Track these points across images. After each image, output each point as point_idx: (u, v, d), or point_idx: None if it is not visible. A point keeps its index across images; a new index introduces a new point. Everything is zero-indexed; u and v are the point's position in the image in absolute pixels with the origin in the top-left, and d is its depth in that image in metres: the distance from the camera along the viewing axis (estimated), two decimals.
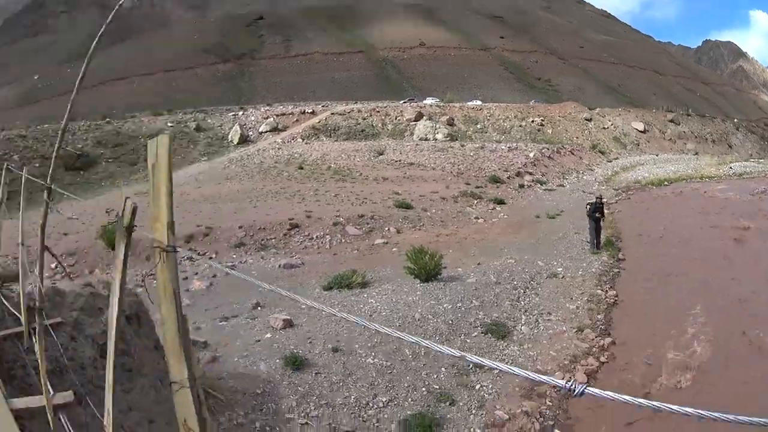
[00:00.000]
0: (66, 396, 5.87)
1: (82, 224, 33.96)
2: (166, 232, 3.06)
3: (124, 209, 3.71)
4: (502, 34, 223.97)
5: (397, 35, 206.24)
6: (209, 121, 72.85)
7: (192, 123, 70.78)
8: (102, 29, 4.60)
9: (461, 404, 12.24)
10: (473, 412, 12.04)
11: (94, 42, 4.44)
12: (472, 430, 11.53)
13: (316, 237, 28.67)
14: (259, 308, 18.03)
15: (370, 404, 11.91)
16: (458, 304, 17.41)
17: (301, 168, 48.80)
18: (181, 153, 62.73)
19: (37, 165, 57.04)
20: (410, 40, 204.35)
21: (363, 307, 17.20)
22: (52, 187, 5.46)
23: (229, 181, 44.24)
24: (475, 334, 15.65)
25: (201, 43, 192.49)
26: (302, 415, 11.30)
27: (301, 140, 64.66)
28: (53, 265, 28.36)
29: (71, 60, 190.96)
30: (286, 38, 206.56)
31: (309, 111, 76.17)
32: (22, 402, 5.97)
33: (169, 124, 70.31)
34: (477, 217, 35.35)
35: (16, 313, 7.95)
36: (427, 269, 19.80)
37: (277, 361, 13.04)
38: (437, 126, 71.89)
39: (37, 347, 5.91)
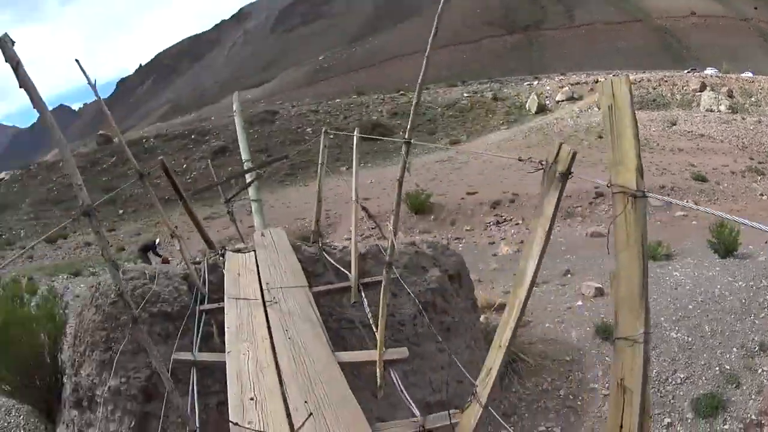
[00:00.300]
0: (400, 352, 6.30)
1: (383, 190, 35.17)
2: (634, 176, 2.88)
3: (558, 154, 3.47)
4: (755, 4, 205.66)
5: (670, 4, 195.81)
6: (505, 91, 72.76)
7: (488, 93, 71.03)
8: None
9: (744, 387, 11.30)
10: (752, 396, 11.09)
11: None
12: (749, 414, 10.70)
13: None
14: (569, 275, 17.76)
15: (669, 380, 11.47)
16: (750, 283, 16.00)
17: (600, 137, 47.38)
18: (481, 122, 63.43)
19: (332, 137, 60.37)
20: (682, 9, 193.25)
21: (668, 279, 16.09)
22: (411, 141, 5.44)
23: (531, 149, 44.06)
24: (763, 315, 14.33)
25: (485, 16, 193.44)
26: (606, 386, 10.96)
27: (597, 109, 62.76)
28: (350, 227, 29.59)
29: (352, 41, 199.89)
30: (568, 8, 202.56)
31: (601, 80, 73.60)
32: (351, 356, 6.43)
33: (465, 95, 71.22)
34: (761, 194, 33.19)
35: (342, 269, 8.64)
36: (726, 244, 18.60)
37: (587, 329, 12.86)
38: (720, 97, 67.51)
39: (382, 301, 5.99)
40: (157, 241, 27.16)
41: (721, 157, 40.59)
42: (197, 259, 9.63)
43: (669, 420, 10.69)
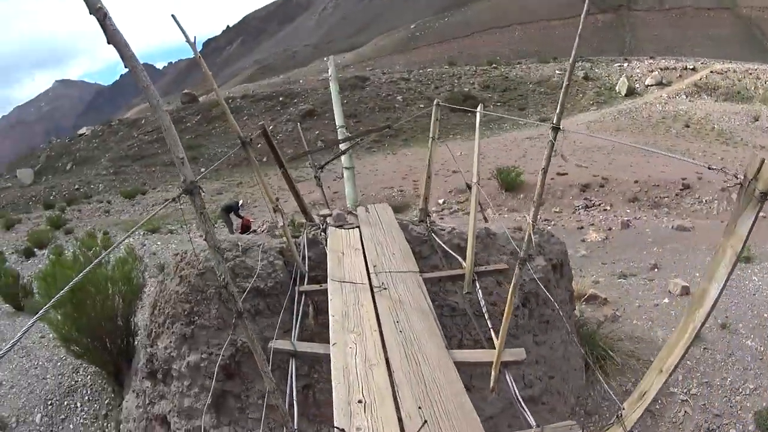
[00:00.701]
0: (518, 353, 5.73)
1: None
2: None
3: (760, 170, 2.71)
4: None
5: None
6: (596, 71, 72.14)
7: (580, 72, 70.37)
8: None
9: None
10: None
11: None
12: None
13: (706, 201, 27.45)
14: (656, 269, 17.46)
15: (740, 389, 11.14)
16: None
17: (687, 126, 47.54)
18: (571, 101, 62.87)
19: (422, 106, 60.72)
20: None
21: (747, 284, 15.54)
22: (560, 128, 4.68)
23: (620, 133, 44.07)
24: None
25: None
26: (684, 391, 10.84)
27: (685, 96, 61.94)
28: (440, 200, 30.21)
29: (445, 10, 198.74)
30: None
31: (690, 67, 72.66)
32: (467, 355, 5.95)
33: (557, 72, 70.86)
34: None
35: (451, 252, 8.18)
36: None
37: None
38: None
39: (509, 300, 5.23)
40: (240, 202, 27.85)
41: None
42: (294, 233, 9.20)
43: (734, 431, 10.47)
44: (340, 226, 9.39)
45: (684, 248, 20.14)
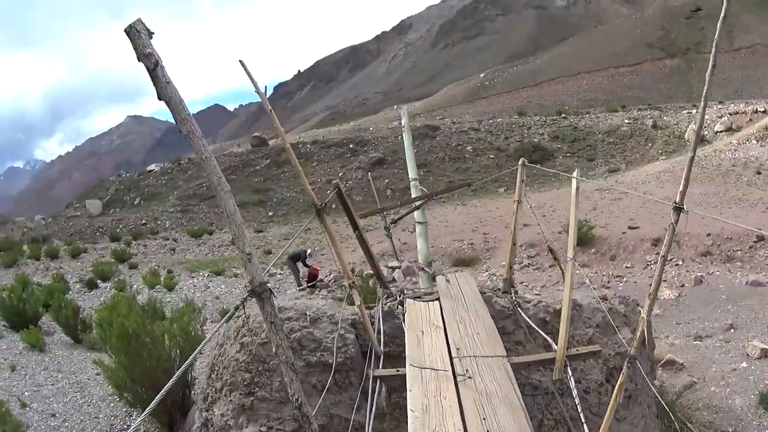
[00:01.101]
0: None
1: (542, 216, 35.64)
2: None
3: None
4: None
5: None
6: (665, 119, 70.95)
7: (648, 120, 69.65)
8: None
9: None
10: None
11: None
12: None
13: None
14: (732, 330, 17.10)
15: None
16: None
17: (759, 173, 46.13)
18: (640, 150, 62.54)
19: (492, 156, 61.71)
20: None
21: None
22: (684, 208, 4.51)
23: (690, 183, 43.60)
24: None
25: (643, 38, 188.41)
26: None
27: (755, 141, 60.41)
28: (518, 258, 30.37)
29: (513, 59, 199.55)
30: (728, 29, 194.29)
31: (761, 110, 71.14)
32: None
33: (626, 121, 70.11)
34: None
35: (536, 328, 7.77)
36: None
37: (752, 396, 11.77)
38: None
39: (615, 398, 5.22)
40: (309, 252, 28.18)
41: None
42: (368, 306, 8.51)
43: None
44: (418, 298, 8.77)
45: (759, 306, 19.86)
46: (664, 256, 4.38)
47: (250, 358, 7.59)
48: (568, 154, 63.23)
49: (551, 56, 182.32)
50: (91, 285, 28.87)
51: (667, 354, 13.61)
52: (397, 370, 6.69)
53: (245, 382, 7.51)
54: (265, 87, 6.07)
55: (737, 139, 60.68)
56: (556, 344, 6.77)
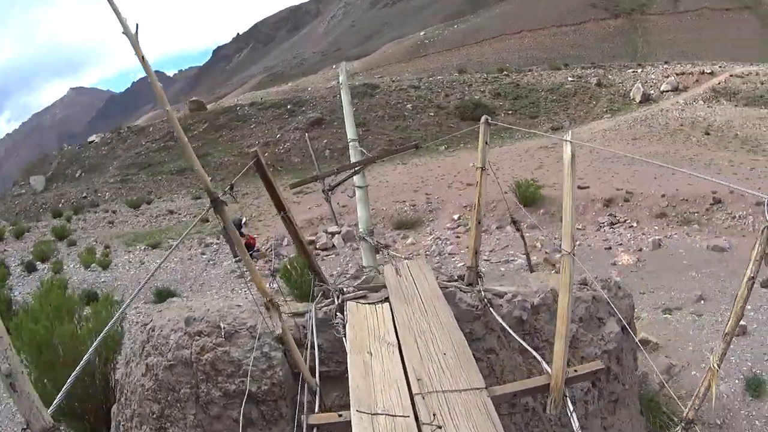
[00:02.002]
0: None
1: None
2: None
3: None
4: None
5: None
6: (609, 77, 70.65)
7: (593, 79, 69.16)
8: None
9: None
10: None
11: None
12: None
13: (739, 216, 25.46)
14: (702, 301, 15.86)
15: None
16: None
17: (708, 134, 45.70)
18: (584, 108, 61.85)
19: (432, 114, 60.78)
20: None
21: None
22: None
23: (637, 142, 42.53)
24: None
25: None
26: None
27: (702, 102, 60.30)
28: (455, 216, 28.72)
29: (452, 18, 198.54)
30: None
31: (707, 71, 71.13)
32: None
33: (570, 79, 69.57)
34: None
35: (512, 333, 6.35)
36: None
37: (737, 382, 10.93)
38: None
39: None
40: (243, 219, 26.22)
41: None
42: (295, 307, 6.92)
43: None
44: (362, 298, 7.08)
45: (724, 273, 18.54)
46: (752, 277, 2.98)
47: (157, 384, 6.03)
48: (510, 112, 62.19)
49: (492, 15, 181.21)
50: (30, 268, 27.78)
51: (640, 333, 11.87)
52: (339, 415, 5.04)
53: (154, 415, 6.05)
54: (137, 26, 4.33)
55: (684, 99, 61.12)
56: (536, 348, 5.67)
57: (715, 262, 20.37)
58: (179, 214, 37.75)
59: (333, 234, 27.26)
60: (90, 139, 77.73)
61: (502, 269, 20.10)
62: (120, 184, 56.48)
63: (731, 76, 68.57)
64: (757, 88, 64.63)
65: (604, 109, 61.40)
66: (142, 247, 29.95)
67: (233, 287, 21.02)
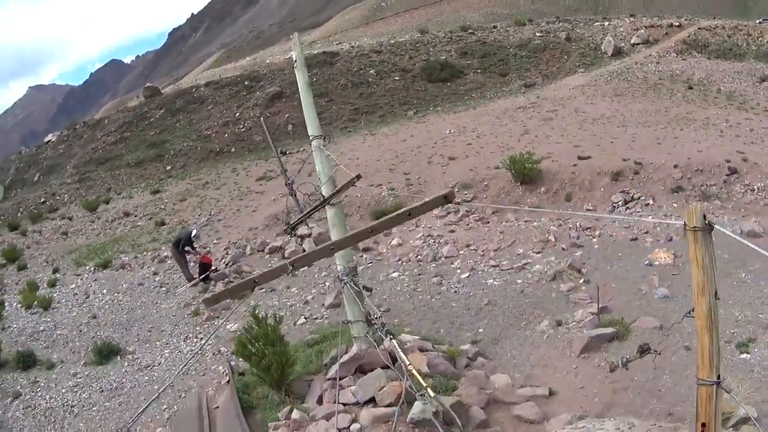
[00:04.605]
0: None
1: (468, 145, 30.97)
2: None
3: None
4: None
5: None
6: (578, 31, 69.10)
7: (561, 33, 67.38)
8: None
9: None
10: None
11: None
12: None
13: (758, 188, 23.03)
14: None
15: None
16: None
17: (690, 88, 44.13)
18: (556, 64, 59.77)
19: (397, 78, 58.42)
20: None
21: None
22: None
23: (622, 98, 40.00)
24: None
25: None
26: None
27: (675, 55, 59.13)
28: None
29: None
30: None
31: (675, 24, 70.41)
32: None
33: (538, 35, 67.64)
34: None
35: None
36: None
37: None
38: None
39: None
40: (195, 232, 22.20)
41: None
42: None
43: None
44: None
45: None
46: None
47: None
48: (478, 70, 59.95)
49: None
50: None
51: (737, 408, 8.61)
52: None
53: None
54: None
55: (657, 52, 59.98)
56: None
57: (754, 254, 17.13)
58: (135, 216, 34.06)
59: (303, 238, 22.87)
60: (47, 138, 73.59)
61: (519, 282, 16.77)
62: (78, 184, 52.63)
63: (700, 29, 67.92)
64: (725, 41, 64.35)
65: (577, 64, 59.43)
66: (92, 268, 25.69)
67: (187, 334, 17.40)
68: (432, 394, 5.80)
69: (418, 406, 7.55)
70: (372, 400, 9.48)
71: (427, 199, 5.79)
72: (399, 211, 6.23)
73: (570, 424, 9.15)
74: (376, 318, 7.65)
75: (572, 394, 10.73)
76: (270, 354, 10.67)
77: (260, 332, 10.96)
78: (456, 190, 24.83)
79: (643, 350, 4.91)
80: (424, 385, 5.73)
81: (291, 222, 9.05)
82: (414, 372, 5.91)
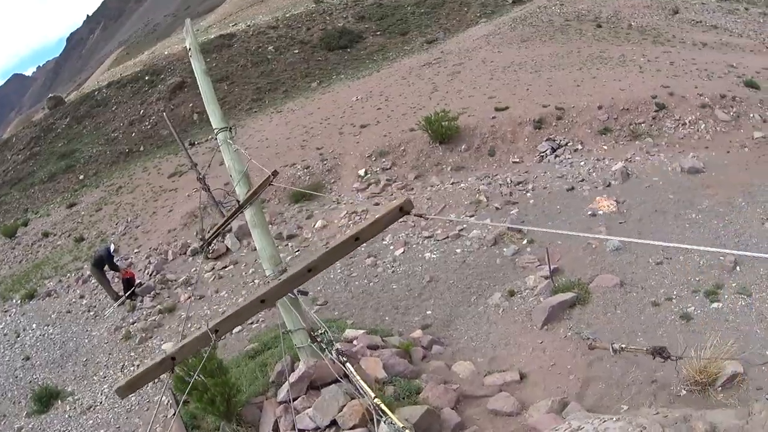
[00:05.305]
0: None
1: (378, 110, 29.50)
2: None
3: None
4: None
5: None
6: None
7: None
8: None
9: None
10: None
11: None
12: None
13: (689, 122, 22.27)
14: (737, 267, 12.09)
15: None
16: None
17: (600, 26, 42.94)
18: (456, 17, 58.95)
19: (297, 51, 57.41)
20: None
21: None
22: None
23: (530, 43, 38.74)
24: None
25: None
26: None
27: None
28: (360, 172, 23.81)
29: None
30: None
31: None
32: None
33: None
34: None
35: None
36: None
37: None
38: None
39: None
40: (113, 247, 20.40)
41: (753, 56, 33.94)
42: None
43: None
44: None
45: (723, 208, 14.97)
46: None
47: None
48: (378, 33, 59.45)
49: None
50: None
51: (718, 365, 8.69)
52: None
53: None
54: None
55: None
56: None
57: (699, 190, 16.61)
58: (54, 235, 31.69)
59: (223, 234, 21.30)
60: None
61: (458, 251, 15.36)
62: None
63: None
64: None
65: (478, 14, 58.32)
66: (18, 301, 23.34)
67: (123, 362, 15.70)
68: (397, 421, 5.45)
69: (384, 428, 6.32)
70: (333, 423, 8.50)
71: (377, 215, 4.58)
72: (344, 239, 5.06)
73: (553, 412, 8.54)
74: (319, 334, 7.51)
75: (545, 374, 9.96)
76: (211, 386, 9.57)
77: (196, 362, 9.50)
78: (372, 158, 23.39)
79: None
80: (389, 413, 5.52)
81: (205, 237, 8.74)
82: (370, 392, 5.75)
